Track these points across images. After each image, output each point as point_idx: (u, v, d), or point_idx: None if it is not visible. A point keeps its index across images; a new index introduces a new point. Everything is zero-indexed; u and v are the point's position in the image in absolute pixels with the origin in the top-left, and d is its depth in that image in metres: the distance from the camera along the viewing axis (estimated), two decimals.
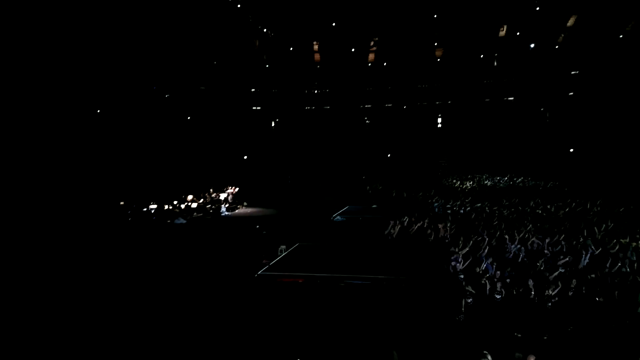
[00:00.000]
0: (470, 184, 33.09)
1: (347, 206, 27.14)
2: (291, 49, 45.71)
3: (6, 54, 23.31)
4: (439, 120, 47.27)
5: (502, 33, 42.70)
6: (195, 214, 24.92)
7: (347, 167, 41.54)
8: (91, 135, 29.53)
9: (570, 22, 39.98)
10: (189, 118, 43.41)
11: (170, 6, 31.03)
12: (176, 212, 24.00)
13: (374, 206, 27.76)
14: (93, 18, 29.69)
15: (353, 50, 45.43)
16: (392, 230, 15.68)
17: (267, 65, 43.35)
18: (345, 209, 26.03)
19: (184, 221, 23.08)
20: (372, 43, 45.90)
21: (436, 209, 21.78)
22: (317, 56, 47.37)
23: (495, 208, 20.13)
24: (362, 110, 47.96)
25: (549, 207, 20.12)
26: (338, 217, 23.65)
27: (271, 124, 48.18)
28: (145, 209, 22.69)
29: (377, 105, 47.49)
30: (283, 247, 15.43)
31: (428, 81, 46.00)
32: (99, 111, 33.12)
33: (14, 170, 21.42)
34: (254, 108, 47.81)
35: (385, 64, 45.43)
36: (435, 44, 44.41)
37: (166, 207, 23.73)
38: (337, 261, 14.41)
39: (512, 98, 44.39)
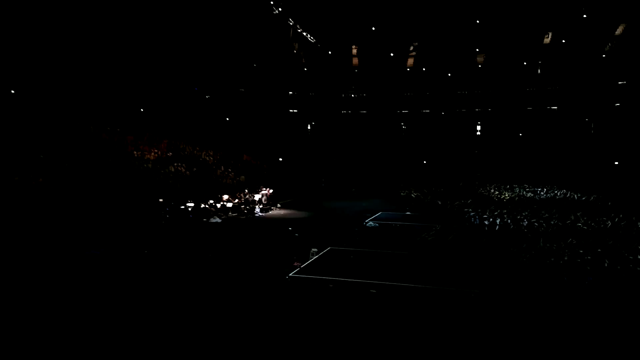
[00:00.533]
0: (509, 195, 32.18)
1: (380, 212, 26.95)
2: (330, 52, 45.87)
3: None
4: (478, 127, 46.33)
5: (547, 40, 41.48)
6: (230, 213, 25.30)
7: (381, 172, 41.22)
8: (136, 132, 30.48)
9: (618, 31, 38.43)
10: (227, 119, 44.25)
11: (209, 10, 31.70)
12: (212, 211, 24.45)
13: (408, 213, 27.45)
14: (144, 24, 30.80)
15: (392, 54, 45.14)
16: (427, 239, 15.44)
17: (305, 69, 43.62)
18: (378, 215, 25.85)
19: (219, 220, 23.50)
20: (411, 48, 45.48)
21: (472, 219, 21.32)
22: (355, 60, 47.35)
23: (534, 220, 19.52)
24: (399, 116, 47.55)
25: (590, 222, 19.36)
26: (371, 222, 23.48)
27: (307, 127, 48.46)
28: (182, 207, 23.22)
29: (414, 110, 46.98)
30: (315, 250, 15.44)
31: (468, 88, 45.17)
32: (142, 110, 34.18)
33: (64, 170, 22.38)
34: (291, 111, 48.24)
35: (424, 69, 44.91)
36: (477, 49, 43.58)
37: (202, 205, 24.21)
38: (370, 267, 14.32)
39: (555, 107, 42.99)
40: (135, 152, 28.78)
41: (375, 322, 9.84)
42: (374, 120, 46.55)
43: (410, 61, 46.17)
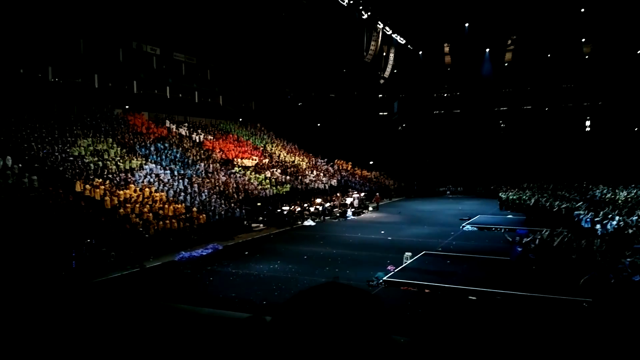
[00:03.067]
0: (625, 195, 28.95)
1: (478, 215, 25.72)
2: (420, 52, 44.91)
3: None
4: (587, 123, 42.46)
5: None
6: (323, 216, 25.74)
7: (477, 173, 39.34)
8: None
9: None
10: (318, 124, 45.13)
11: (299, 18, 32.56)
12: (305, 214, 25.05)
13: (510, 216, 25.89)
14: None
15: (488, 50, 43.02)
16: (530, 244, 14.42)
17: (395, 71, 43.12)
18: (476, 218, 24.68)
19: (313, 223, 24.01)
20: (509, 42, 42.97)
21: (583, 222, 19.53)
22: (447, 59, 45.86)
23: None
24: (497, 113, 45.11)
25: None
26: (468, 226, 22.49)
27: (398, 128, 47.83)
28: (278, 210, 24.06)
29: (514, 107, 44.30)
30: (409, 254, 15.15)
31: (574, 80, 41.59)
32: (240, 120, 35.93)
33: None
34: (381, 114, 47.94)
35: (524, 63, 42.16)
36: (583, 40, 39.99)
37: (297, 209, 24.90)
38: (468, 272, 13.72)
39: None
40: (237, 160, 30.42)
41: (479, 331, 9.40)
42: (469, 119, 44.64)
43: (509, 55, 43.63)
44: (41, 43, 24.65)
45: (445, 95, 47.39)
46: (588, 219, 19.47)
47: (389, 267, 14.11)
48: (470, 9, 38.20)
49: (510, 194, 29.98)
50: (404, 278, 13.11)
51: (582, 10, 36.27)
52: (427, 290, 12.18)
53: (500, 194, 31.00)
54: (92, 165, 20.76)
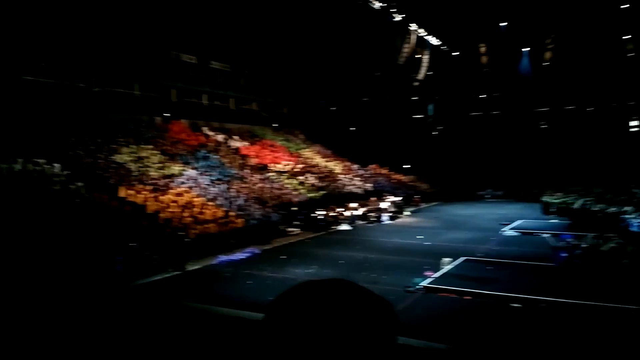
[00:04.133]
0: None
1: (519, 220, 24.97)
2: (456, 53, 44.20)
3: None
4: (634, 123, 40.64)
5: None
6: (358, 221, 25.63)
7: (517, 176, 38.24)
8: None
9: None
10: (352, 129, 45.03)
11: (331, 23, 32.62)
12: (340, 219, 25.01)
13: (553, 220, 25.02)
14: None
15: (526, 49, 41.88)
16: (576, 249, 13.90)
17: (429, 73, 42.58)
18: (518, 223, 23.97)
19: (349, 227, 23.96)
20: (549, 40, 41.68)
21: (631, 226, 18.66)
22: (483, 59, 44.93)
23: None
24: (537, 114, 43.79)
25: None
26: (509, 231, 21.89)
27: (433, 131, 47.14)
28: (313, 215, 24.12)
29: (555, 107, 42.89)
30: (447, 259, 14.86)
31: (619, 79, 39.90)
32: (277, 125, 36.30)
33: None
34: (415, 116, 47.37)
35: (565, 61, 40.77)
36: (626, 36, 38.32)
37: (332, 213, 24.89)
38: (510, 279, 13.33)
39: None
40: (271, 165, 30.75)
41: (523, 340, 9.10)
42: (509, 121, 43.52)
43: (548, 54, 42.32)
44: (85, 55, 25.73)
45: (482, 96, 46.39)
46: (637, 223, 18.60)
47: (427, 273, 13.89)
48: (506, 7, 37.28)
49: (553, 197, 28.97)
50: (443, 284, 12.87)
51: (626, 5, 34.79)
52: (467, 297, 11.92)
53: (543, 197, 30.01)
54: (134, 171, 21.44)
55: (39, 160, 18.46)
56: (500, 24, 39.64)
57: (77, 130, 22.92)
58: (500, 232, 21.85)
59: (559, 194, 29.67)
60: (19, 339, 5.72)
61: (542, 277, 13.52)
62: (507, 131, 42.64)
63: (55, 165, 18.76)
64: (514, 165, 39.06)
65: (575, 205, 24.76)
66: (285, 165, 31.79)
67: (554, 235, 19.56)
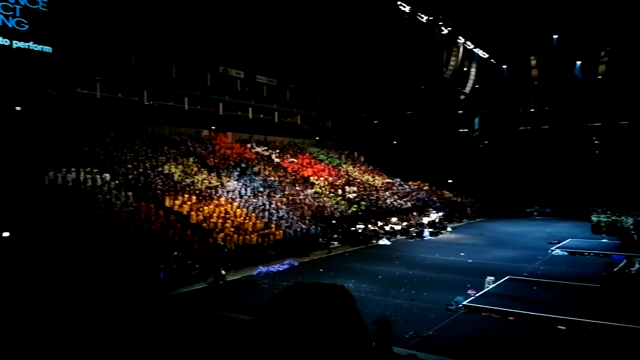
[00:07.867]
0: None
1: (569, 239, 23.85)
2: (505, 66, 43.15)
3: None
4: None
5: None
6: (398, 236, 25.28)
7: (567, 193, 36.59)
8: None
9: None
10: (395, 142, 44.69)
11: (376, 36, 32.65)
12: (380, 234, 24.77)
13: (604, 240, 23.74)
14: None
15: (578, 63, 40.32)
16: (627, 270, 13.12)
17: (476, 86, 41.72)
18: (567, 242, 22.90)
19: (388, 242, 23.66)
20: (602, 53, 40.00)
21: None
22: (534, 72, 43.65)
23: None
24: (590, 129, 41.88)
25: None
26: (558, 250, 20.93)
27: (479, 146, 45.96)
28: (353, 228, 24.03)
29: (609, 122, 40.90)
30: (491, 278, 14.37)
31: None
32: (317, 138, 36.53)
33: None
34: (461, 130, 46.43)
35: (619, 75, 38.94)
36: None
37: (372, 227, 24.70)
38: (556, 301, 12.72)
39: None
40: (313, 178, 30.96)
41: None
42: (559, 136, 41.83)
43: (602, 67, 40.57)
44: (139, 70, 27.04)
45: (531, 110, 44.95)
46: None
47: (469, 292, 13.48)
48: (558, 20, 36.10)
49: (604, 216, 27.54)
50: (485, 304, 12.44)
51: None
52: (511, 318, 11.47)
53: (592, 216, 28.58)
54: (180, 182, 22.16)
55: (89, 169, 19.42)
56: (553, 36, 38.43)
57: (128, 142, 23.99)
58: (547, 251, 20.94)
59: (610, 212, 28.23)
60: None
61: (590, 299, 12.82)
62: (556, 146, 40.99)
63: (106, 175, 19.68)
64: (563, 181, 37.41)
65: (626, 224, 23.46)
66: (326, 178, 31.90)
67: (604, 255, 18.56)
